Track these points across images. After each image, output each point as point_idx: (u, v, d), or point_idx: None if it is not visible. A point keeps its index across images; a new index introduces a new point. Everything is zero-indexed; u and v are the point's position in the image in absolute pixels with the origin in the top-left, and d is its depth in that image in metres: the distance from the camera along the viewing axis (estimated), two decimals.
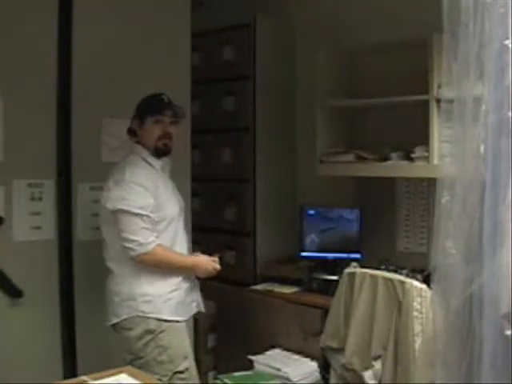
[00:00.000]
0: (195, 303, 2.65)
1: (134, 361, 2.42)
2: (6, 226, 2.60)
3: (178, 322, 2.51)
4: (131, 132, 2.61)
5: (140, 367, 2.35)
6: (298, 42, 3.83)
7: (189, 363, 2.52)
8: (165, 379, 2.40)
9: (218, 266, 2.60)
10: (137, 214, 2.38)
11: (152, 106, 2.56)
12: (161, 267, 2.46)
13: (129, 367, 2.00)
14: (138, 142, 2.59)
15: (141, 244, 2.38)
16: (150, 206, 2.42)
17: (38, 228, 2.72)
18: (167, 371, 2.43)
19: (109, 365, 1.96)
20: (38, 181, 2.72)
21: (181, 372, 2.47)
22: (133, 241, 2.38)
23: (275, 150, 3.75)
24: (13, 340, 2.60)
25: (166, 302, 2.48)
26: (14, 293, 2.61)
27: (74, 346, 2.78)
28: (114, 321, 2.49)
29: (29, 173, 2.68)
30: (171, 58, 3.17)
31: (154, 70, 3.07)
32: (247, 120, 3.65)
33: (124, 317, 2.46)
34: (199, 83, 3.55)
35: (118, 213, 2.39)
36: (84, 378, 1.86)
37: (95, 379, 1.84)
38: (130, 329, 2.45)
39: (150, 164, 2.54)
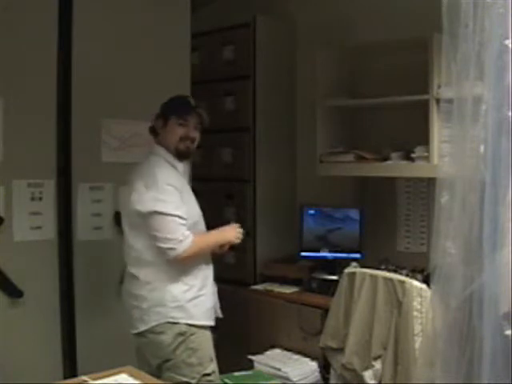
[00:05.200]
0: (215, 308, 2.62)
1: (162, 364, 2.38)
2: (6, 226, 2.60)
3: (207, 326, 2.49)
4: (153, 131, 2.55)
5: (168, 369, 2.36)
6: (298, 42, 3.83)
7: (214, 366, 2.49)
8: (193, 381, 2.38)
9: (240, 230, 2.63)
10: (173, 215, 2.34)
11: (178, 108, 2.52)
12: (201, 254, 2.44)
13: (129, 367, 1.99)
14: (158, 143, 2.53)
15: (180, 241, 2.33)
16: (183, 207, 2.40)
17: (38, 228, 2.72)
18: (195, 373, 2.39)
19: (109, 365, 1.96)
20: (38, 181, 2.72)
21: (208, 374, 2.44)
22: (172, 239, 2.32)
23: (275, 149, 3.75)
24: (13, 340, 2.60)
25: (196, 307, 2.44)
26: (14, 293, 2.61)
27: (74, 346, 2.78)
28: (142, 328, 2.40)
29: (29, 173, 2.68)
30: (171, 58, 3.17)
31: (154, 70, 3.07)
32: (247, 120, 3.65)
33: (153, 324, 2.37)
34: (199, 83, 3.54)
35: (152, 214, 2.33)
36: (84, 377, 1.86)
37: (95, 379, 1.84)
38: (160, 333, 2.37)
39: (173, 166, 2.49)
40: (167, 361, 2.38)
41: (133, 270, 2.44)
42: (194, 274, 2.46)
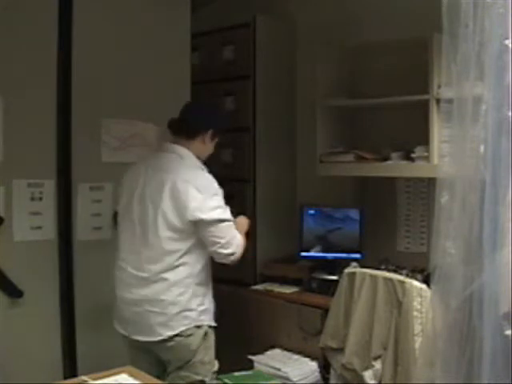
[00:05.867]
0: None
1: (182, 365, 2.40)
2: (6, 226, 2.60)
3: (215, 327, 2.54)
4: (192, 134, 2.50)
5: (183, 369, 2.40)
6: (298, 42, 3.83)
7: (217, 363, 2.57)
8: (207, 379, 2.44)
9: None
10: (230, 220, 2.42)
11: (224, 129, 2.66)
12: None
13: (129, 367, 2.00)
14: (178, 143, 2.49)
15: (238, 245, 2.44)
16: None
17: (38, 228, 2.72)
18: (207, 371, 2.46)
19: (109, 365, 1.96)
20: (38, 181, 2.72)
21: (215, 372, 2.52)
22: (233, 244, 2.41)
23: (275, 149, 3.74)
24: (13, 340, 2.60)
25: (212, 309, 2.51)
26: (14, 293, 2.61)
27: (74, 346, 2.78)
28: (168, 334, 2.36)
29: (29, 173, 2.68)
30: (171, 58, 3.17)
31: (154, 70, 3.07)
32: (247, 120, 3.65)
33: (182, 328, 2.37)
34: (199, 83, 3.54)
35: (216, 222, 2.37)
36: (84, 377, 1.86)
37: (95, 379, 1.84)
38: (189, 335, 2.39)
39: (203, 169, 2.52)
40: (187, 362, 2.41)
41: (165, 273, 2.36)
42: (209, 276, 2.50)
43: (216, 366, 2.52)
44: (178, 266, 2.37)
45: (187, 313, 2.38)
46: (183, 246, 2.38)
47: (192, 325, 2.39)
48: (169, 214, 2.35)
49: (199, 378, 2.41)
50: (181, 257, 2.37)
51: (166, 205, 2.35)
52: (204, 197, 2.36)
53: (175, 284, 2.36)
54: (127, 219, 2.48)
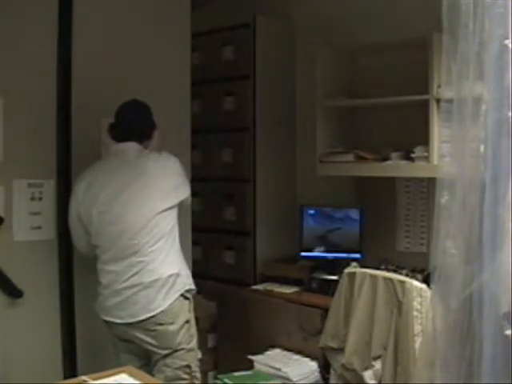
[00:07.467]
0: None
1: (168, 354, 2.47)
2: (6, 226, 2.60)
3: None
4: (145, 137, 2.61)
5: (169, 356, 2.46)
6: (297, 42, 3.84)
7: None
8: (193, 365, 2.52)
9: None
10: None
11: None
12: None
13: (129, 367, 2.00)
14: (144, 145, 2.60)
15: None
16: None
17: (38, 228, 2.72)
18: (193, 358, 2.55)
19: (109, 365, 1.96)
20: (38, 181, 2.71)
21: (200, 360, 2.60)
22: None
23: (275, 150, 3.75)
24: (13, 340, 2.60)
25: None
26: (14, 293, 2.61)
27: (74, 346, 2.78)
28: (168, 302, 2.45)
29: (29, 173, 2.68)
30: (171, 58, 3.17)
31: (154, 70, 3.07)
32: (247, 120, 3.65)
33: (176, 295, 2.47)
34: (199, 83, 3.54)
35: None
36: (84, 377, 1.86)
37: (95, 379, 1.84)
38: (171, 323, 2.45)
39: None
40: (175, 351, 2.48)
41: (159, 254, 2.47)
42: None
43: (199, 354, 2.60)
44: (167, 240, 2.50)
45: (179, 279, 2.50)
46: (174, 220, 2.55)
47: (183, 289, 2.50)
48: (164, 201, 2.50)
49: (185, 363, 2.49)
50: (172, 231, 2.52)
51: (160, 194, 2.50)
52: (185, 178, 2.65)
53: (169, 256, 2.50)
54: (106, 223, 2.50)
